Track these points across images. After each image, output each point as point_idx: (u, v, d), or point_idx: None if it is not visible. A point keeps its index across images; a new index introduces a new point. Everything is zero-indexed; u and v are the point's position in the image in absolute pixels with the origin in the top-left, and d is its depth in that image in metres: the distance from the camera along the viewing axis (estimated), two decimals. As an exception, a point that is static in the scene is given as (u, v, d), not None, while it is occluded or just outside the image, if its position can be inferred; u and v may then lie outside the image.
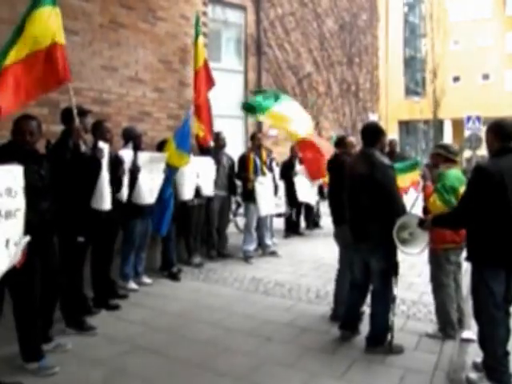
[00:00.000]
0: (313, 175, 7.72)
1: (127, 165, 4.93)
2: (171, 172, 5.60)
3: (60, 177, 3.59)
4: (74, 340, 3.88)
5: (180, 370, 3.51)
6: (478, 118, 15.71)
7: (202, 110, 6.73)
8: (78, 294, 4.23)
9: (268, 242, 7.16)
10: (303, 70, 14.28)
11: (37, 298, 3.36)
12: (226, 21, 12.44)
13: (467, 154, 20.10)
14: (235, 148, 8.58)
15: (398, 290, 4.02)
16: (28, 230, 2.82)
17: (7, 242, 2.51)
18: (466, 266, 4.02)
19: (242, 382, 3.34)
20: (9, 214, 2.52)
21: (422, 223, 3.61)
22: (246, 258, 6.74)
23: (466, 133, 17.31)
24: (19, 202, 2.60)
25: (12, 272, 3.10)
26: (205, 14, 7.73)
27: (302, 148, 7.48)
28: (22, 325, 3.33)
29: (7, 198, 2.52)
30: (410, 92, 34.09)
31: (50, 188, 3.32)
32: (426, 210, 4.09)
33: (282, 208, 7.53)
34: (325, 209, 6.66)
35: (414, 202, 4.41)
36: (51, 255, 3.53)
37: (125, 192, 4.81)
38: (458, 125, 26.66)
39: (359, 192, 3.81)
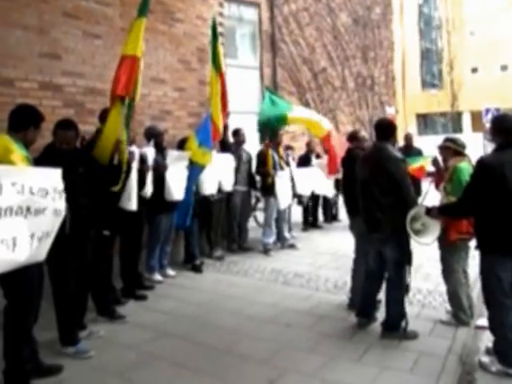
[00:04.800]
0: (331, 170, 7.64)
1: (150, 162, 5.16)
2: (198, 170, 5.82)
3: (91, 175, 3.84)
4: (105, 328, 4.15)
5: (206, 354, 3.73)
6: (498, 110, 15.59)
7: (223, 109, 6.98)
8: (108, 285, 4.48)
9: (286, 234, 7.35)
10: (318, 64, 14.36)
11: (74, 287, 3.63)
12: (240, 18, 12.60)
13: (488, 147, 19.91)
14: (251, 143, 8.75)
15: (415, 280, 4.16)
16: (66, 224, 3.07)
17: (32, 235, 2.75)
18: (473, 254, 4.16)
19: (264, 364, 3.54)
20: (38, 211, 2.76)
21: (428, 211, 3.77)
22: (266, 250, 6.94)
23: (486, 125, 17.16)
24: (50, 202, 2.83)
25: (52, 264, 3.37)
26: (221, 14, 7.91)
27: (325, 142, 7.40)
28: (61, 312, 3.62)
29: (40, 197, 2.76)
30: (426, 85, 33.73)
31: (88, 185, 3.57)
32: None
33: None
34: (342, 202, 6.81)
35: (425, 194, 4.55)
36: (87, 248, 3.78)
37: (149, 189, 5.03)
38: (477, 117, 26.34)
39: (372, 184, 3.95)
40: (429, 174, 6.67)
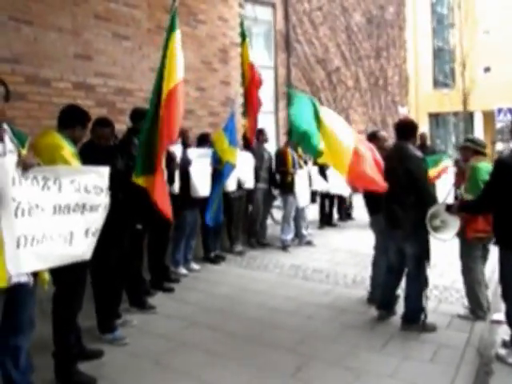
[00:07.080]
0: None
1: (178, 159, 5.36)
2: (229, 168, 6.03)
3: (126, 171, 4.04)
4: (138, 317, 4.38)
5: (234, 342, 3.93)
6: (510, 110, 15.57)
7: (251, 108, 7.18)
8: (139, 277, 4.69)
9: (304, 232, 7.53)
10: (331, 64, 14.48)
11: (113, 278, 3.85)
12: (255, 18, 12.77)
13: (499, 146, 19.87)
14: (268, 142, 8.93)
15: (432, 277, 4.30)
16: (107, 218, 3.26)
17: (87, 231, 2.93)
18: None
19: (291, 353, 3.73)
20: (92, 208, 2.94)
21: (449, 208, 3.93)
22: (284, 246, 7.13)
23: (498, 125, 17.14)
24: (102, 199, 3.02)
25: (92, 257, 3.56)
26: (240, 15, 8.10)
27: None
28: (100, 302, 3.85)
29: (94, 195, 2.95)
30: (439, 84, 33.59)
31: (124, 180, 3.77)
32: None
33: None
34: (357, 201, 6.95)
35: (447, 195, 4.68)
36: (124, 242, 3.99)
37: (177, 185, 5.23)
38: (489, 117, 26.23)
39: (394, 183, 4.06)
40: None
